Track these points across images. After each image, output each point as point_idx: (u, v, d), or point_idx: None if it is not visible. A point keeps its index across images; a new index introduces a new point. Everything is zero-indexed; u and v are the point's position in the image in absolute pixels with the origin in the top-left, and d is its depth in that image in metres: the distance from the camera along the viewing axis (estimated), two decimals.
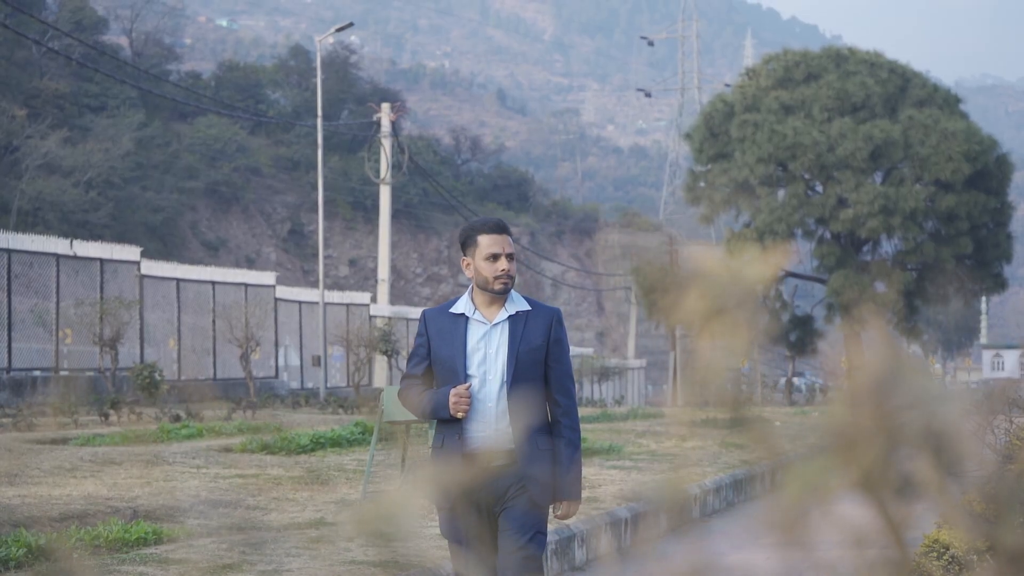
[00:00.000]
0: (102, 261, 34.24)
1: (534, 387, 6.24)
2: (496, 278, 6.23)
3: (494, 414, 6.18)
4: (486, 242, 6.27)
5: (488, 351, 6.24)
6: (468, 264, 6.37)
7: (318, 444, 18.77)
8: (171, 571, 9.22)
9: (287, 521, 11.94)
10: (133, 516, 11.70)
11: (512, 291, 6.35)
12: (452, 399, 6.11)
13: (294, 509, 12.71)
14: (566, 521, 7.06)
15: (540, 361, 6.28)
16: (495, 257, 6.24)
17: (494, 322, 6.28)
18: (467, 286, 6.53)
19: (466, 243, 6.37)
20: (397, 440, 14.21)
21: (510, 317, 6.28)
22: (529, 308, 6.34)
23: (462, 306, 6.34)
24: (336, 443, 19.08)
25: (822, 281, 59.34)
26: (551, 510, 6.32)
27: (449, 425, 6.23)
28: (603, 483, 15.88)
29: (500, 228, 6.34)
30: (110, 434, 20.25)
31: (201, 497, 13.15)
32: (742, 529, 14.51)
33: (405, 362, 42.42)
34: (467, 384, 6.16)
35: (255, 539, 10.84)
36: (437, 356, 6.32)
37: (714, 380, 1.65)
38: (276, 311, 42.14)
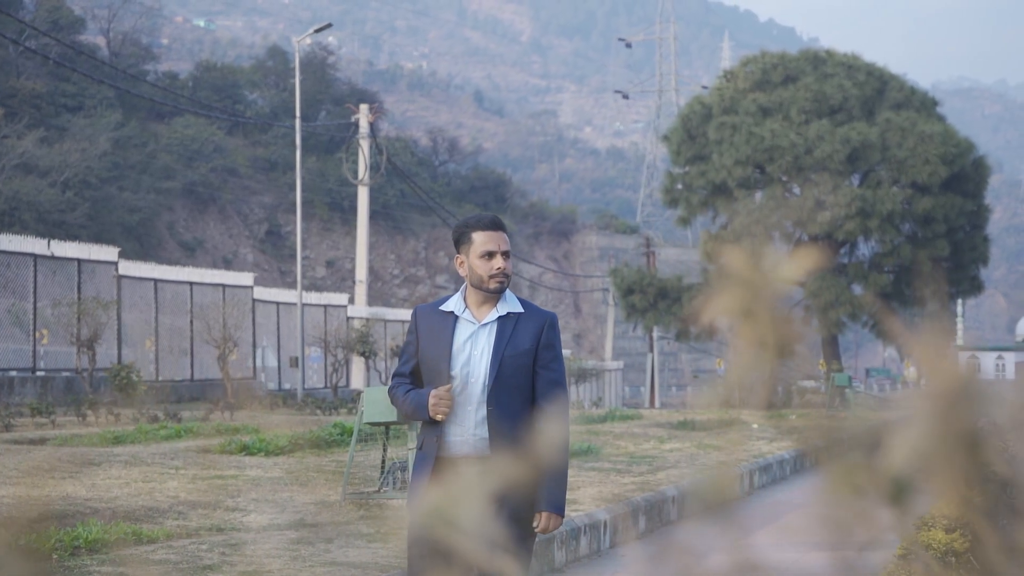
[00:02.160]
0: (80, 261, 34.15)
1: (519, 393, 6.00)
2: (491, 277, 6.01)
3: (474, 419, 5.95)
4: (481, 239, 6.04)
5: (473, 352, 6.01)
6: (462, 262, 6.11)
7: (297, 445, 18.76)
8: (151, 572, 9.20)
9: (267, 522, 11.94)
10: (112, 517, 11.67)
11: (508, 292, 6.14)
12: (431, 400, 5.89)
13: (274, 510, 12.70)
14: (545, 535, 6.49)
15: (527, 366, 6.02)
16: (490, 255, 6.02)
17: (483, 322, 6.04)
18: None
19: (460, 240, 6.13)
20: (377, 441, 14.21)
21: (500, 318, 6.05)
22: (522, 310, 6.11)
23: (453, 304, 6.10)
24: (315, 444, 19.08)
25: (799, 283, 59.44)
26: (534, 522, 5.97)
27: (430, 427, 6.00)
28: (582, 485, 15.90)
29: (496, 225, 6.12)
30: (88, 434, 20.20)
31: (180, 498, 13.13)
32: (723, 531, 14.52)
33: (383, 363, 42.12)
34: (448, 386, 5.92)
35: (235, 540, 10.82)
36: (424, 355, 6.07)
37: (756, 380, 1.66)
38: (254, 312, 42.06)
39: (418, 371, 6.13)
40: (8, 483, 13.72)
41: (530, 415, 6.02)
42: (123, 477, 14.68)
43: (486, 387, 5.96)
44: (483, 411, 5.96)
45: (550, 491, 5.93)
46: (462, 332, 6.04)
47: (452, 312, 6.08)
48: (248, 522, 11.94)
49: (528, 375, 6.04)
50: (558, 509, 5.99)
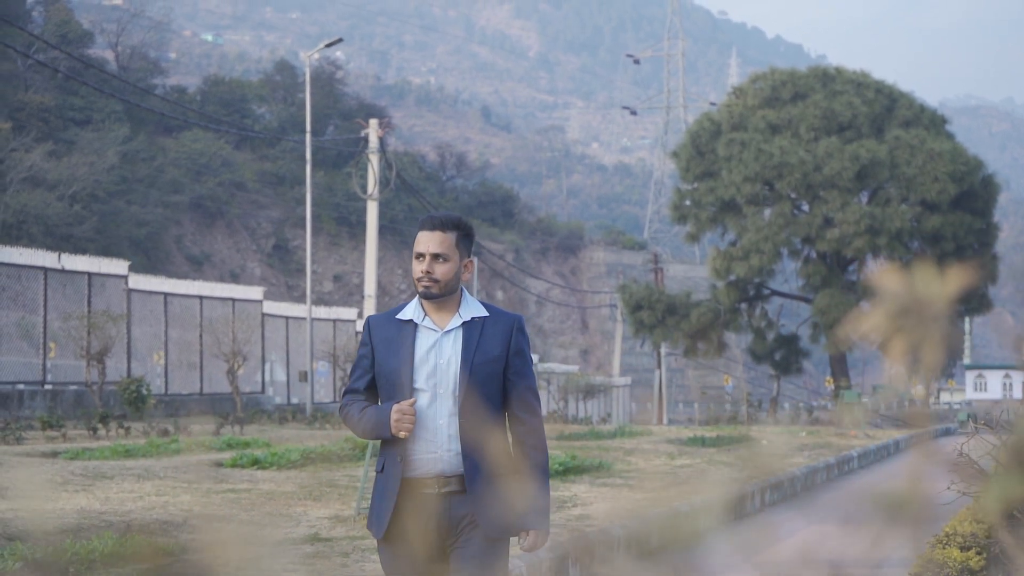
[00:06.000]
0: (90, 275, 34.17)
1: (491, 403, 5.51)
2: (418, 280, 5.54)
3: (445, 434, 5.44)
4: (417, 239, 5.60)
5: (439, 362, 5.49)
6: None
7: (308, 459, 18.77)
8: None
9: (282, 536, 11.91)
10: (127, 530, 11.65)
11: (468, 296, 5.64)
12: (394, 416, 5.37)
13: (288, 524, 12.67)
14: (533, 553, 5.96)
15: (498, 373, 5.53)
16: (420, 257, 5.55)
17: (446, 329, 5.54)
18: None
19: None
20: None
21: (464, 324, 5.56)
22: (486, 314, 5.61)
23: (411, 311, 5.60)
24: (326, 458, 19.09)
25: (807, 300, 59.44)
26: (519, 540, 5.55)
27: (392, 446, 5.46)
28: (594, 500, 15.87)
29: (433, 224, 5.59)
30: (99, 448, 20.20)
31: (194, 512, 13.10)
32: (731, 550, 14.47)
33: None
34: (411, 400, 5.41)
35: (250, 554, 10.79)
36: (381, 368, 5.55)
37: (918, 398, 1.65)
38: (263, 326, 42.06)
39: (373, 387, 5.63)
40: (21, 496, 13.70)
41: (503, 426, 5.60)
42: (136, 491, 14.67)
43: (456, 398, 5.47)
44: (455, 424, 5.46)
45: (534, 506, 5.54)
46: (424, 341, 5.55)
47: (411, 320, 5.60)
48: (263, 536, 11.90)
49: (498, 383, 5.57)
50: (543, 525, 5.54)
